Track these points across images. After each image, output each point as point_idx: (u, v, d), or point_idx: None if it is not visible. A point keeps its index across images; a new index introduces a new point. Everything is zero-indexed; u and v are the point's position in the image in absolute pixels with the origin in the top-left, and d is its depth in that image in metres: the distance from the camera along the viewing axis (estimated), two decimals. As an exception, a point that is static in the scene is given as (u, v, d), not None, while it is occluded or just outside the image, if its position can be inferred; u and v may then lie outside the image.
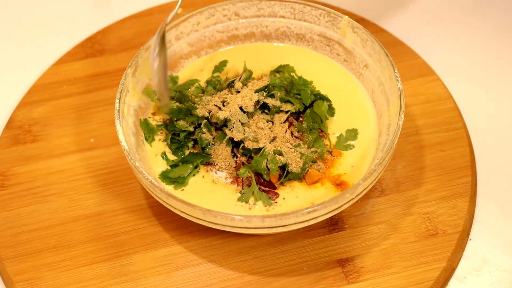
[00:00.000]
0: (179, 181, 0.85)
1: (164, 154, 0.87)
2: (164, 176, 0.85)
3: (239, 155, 0.86)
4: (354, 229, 0.84)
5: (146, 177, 0.79)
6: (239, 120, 0.86)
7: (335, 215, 0.83)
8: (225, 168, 0.86)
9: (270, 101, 0.88)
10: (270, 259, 0.84)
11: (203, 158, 0.86)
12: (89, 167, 0.92)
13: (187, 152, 0.87)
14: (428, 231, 0.84)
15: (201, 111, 0.87)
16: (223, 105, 0.87)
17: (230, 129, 0.85)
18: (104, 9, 1.12)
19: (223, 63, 0.94)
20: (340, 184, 0.84)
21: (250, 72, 0.92)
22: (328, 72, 0.93)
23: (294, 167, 0.83)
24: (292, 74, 0.91)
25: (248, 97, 0.87)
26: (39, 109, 0.98)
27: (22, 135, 0.95)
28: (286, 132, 0.87)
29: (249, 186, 0.84)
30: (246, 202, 0.83)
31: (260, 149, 0.84)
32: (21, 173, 0.92)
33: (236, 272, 0.83)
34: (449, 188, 0.87)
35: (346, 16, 0.91)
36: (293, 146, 0.85)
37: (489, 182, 0.90)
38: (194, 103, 0.89)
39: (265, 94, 0.88)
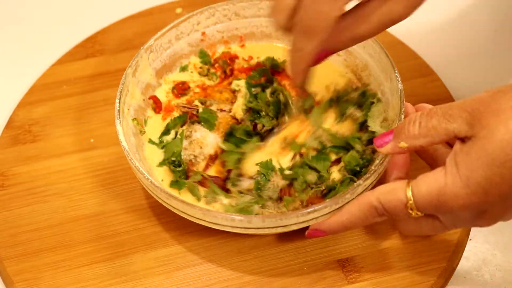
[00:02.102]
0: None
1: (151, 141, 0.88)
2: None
3: None
4: (354, 229, 0.84)
5: (146, 177, 0.79)
6: None
7: (335, 215, 0.83)
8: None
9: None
10: (270, 259, 0.84)
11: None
12: (89, 167, 0.92)
13: None
14: (428, 231, 0.84)
15: None
16: None
17: None
18: (104, 9, 1.12)
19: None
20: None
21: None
22: (328, 72, 0.93)
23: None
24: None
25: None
26: (39, 109, 0.98)
27: (22, 135, 0.95)
28: None
29: None
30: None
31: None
32: (21, 173, 0.92)
33: (236, 272, 0.83)
34: (449, 188, 0.87)
35: (346, 16, 0.91)
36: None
37: (489, 182, 0.89)
38: None
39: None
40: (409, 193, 0.71)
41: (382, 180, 0.79)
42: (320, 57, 0.79)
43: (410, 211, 0.72)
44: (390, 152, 0.74)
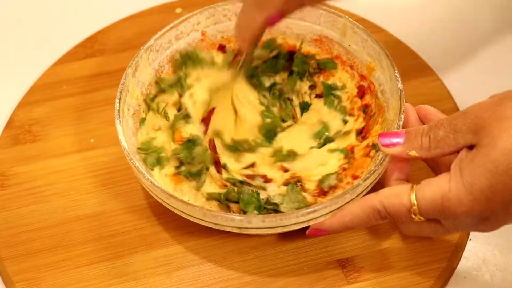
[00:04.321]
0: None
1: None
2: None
3: None
4: (356, 230, 0.84)
5: (146, 177, 0.79)
6: None
7: (335, 215, 0.83)
8: None
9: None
10: (270, 259, 0.84)
11: None
12: (89, 167, 0.92)
13: None
14: (428, 231, 0.84)
15: None
16: None
17: None
18: (104, 9, 1.12)
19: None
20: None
21: None
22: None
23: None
24: None
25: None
26: (39, 109, 0.98)
27: (22, 135, 0.95)
28: None
29: None
30: None
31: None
32: (21, 173, 0.92)
33: (236, 272, 0.83)
34: (449, 188, 0.87)
35: (346, 16, 0.91)
36: None
37: (489, 182, 0.89)
38: None
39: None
40: (413, 198, 0.71)
41: (381, 180, 0.79)
42: (268, 23, 0.80)
43: (413, 216, 0.72)
44: (397, 155, 0.75)
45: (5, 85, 1.03)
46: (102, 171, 0.91)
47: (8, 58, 1.07)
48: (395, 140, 0.74)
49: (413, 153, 0.73)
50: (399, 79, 0.84)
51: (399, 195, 0.72)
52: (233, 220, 0.77)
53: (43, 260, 0.85)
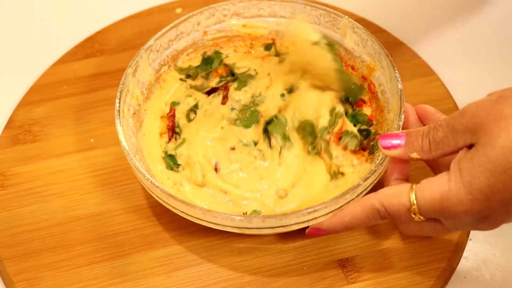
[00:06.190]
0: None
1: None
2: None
3: None
4: (355, 229, 0.84)
5: (146, 177, 0.79)
6: None
7: (335, 215, 0.83)
8: None
9: None
10: (270, 259, 0.84)
11: None
12: (89, 167, 0.92)
13: None
14: (428, 231, 0.84)
15: None
16: None
17: None
18: (104, 9, 1.12)
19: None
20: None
21: None
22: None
23: None
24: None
25: None
26: (39, 109, 0.98)
27: (22, 135, 0.95)
28: None
29: None
30: None
31: None
32: (21, 173, 0.92)
33: (236, 272, 0.83)
34: (449, 188, 0.87)
35: (346, 16, 0.91)
36: None
37: (489, 182, 0.89)
38: None
39: None
40: (413, 198, 0.71)
41: (381, 180, 0.80)
42: None
43: (413, 216, 0.72)
44: (398, 157, 0.75)
45: (5, 85, 1.03)
46: (102, 171, 0.91)
47: (8, 58, 1.07)
48: (395, 142, 0.74)
49: (414, 155, 0.73)
50: (399, 79, 0.84)
51: (398, 194, 0.72)
52: (233, 220, 0.77)
53: (43, 260, 0.85)
